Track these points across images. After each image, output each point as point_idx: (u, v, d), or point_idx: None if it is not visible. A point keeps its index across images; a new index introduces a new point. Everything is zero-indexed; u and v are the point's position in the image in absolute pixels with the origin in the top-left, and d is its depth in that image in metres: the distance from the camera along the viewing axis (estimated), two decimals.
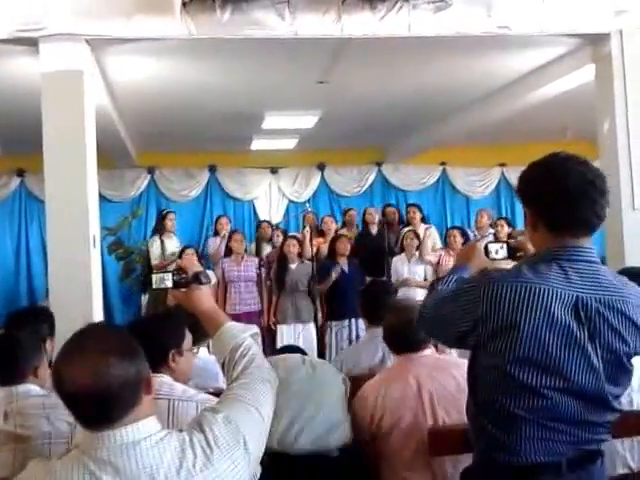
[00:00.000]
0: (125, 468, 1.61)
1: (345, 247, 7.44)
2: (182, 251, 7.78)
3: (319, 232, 8.50)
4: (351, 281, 6.91)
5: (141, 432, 1.66)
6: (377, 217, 8.58)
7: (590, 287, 1.89)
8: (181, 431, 1.73)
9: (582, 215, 1.92)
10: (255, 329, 2.18)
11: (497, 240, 2.19)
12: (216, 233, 8.83)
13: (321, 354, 7.25)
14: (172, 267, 7.04)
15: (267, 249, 8.63)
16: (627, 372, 1.96)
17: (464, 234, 7.52)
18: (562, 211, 1.92)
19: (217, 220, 9.09)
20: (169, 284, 2.28)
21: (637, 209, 5.28)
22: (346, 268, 7.37)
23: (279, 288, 7.36)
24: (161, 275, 2.31)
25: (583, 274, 1.90)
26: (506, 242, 2.34)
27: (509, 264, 2.12)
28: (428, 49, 5.87)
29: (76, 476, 1.62)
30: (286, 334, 7.23)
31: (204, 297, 2.22)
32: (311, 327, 7.29)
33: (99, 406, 1.64)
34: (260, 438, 1.82)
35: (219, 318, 2.17)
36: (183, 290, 2.26)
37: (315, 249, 7.68)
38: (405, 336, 2.94)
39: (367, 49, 5.68)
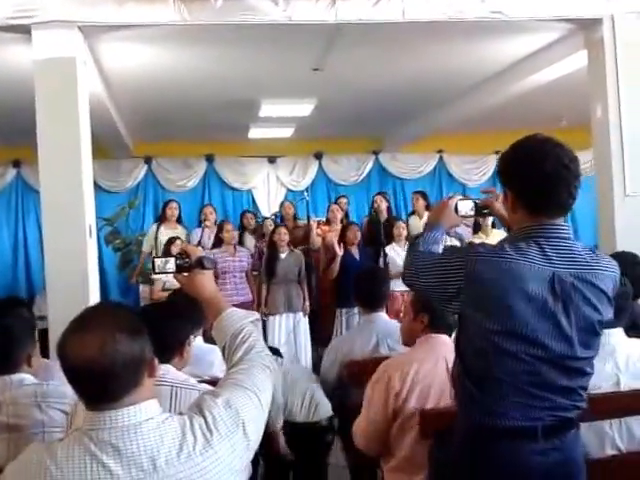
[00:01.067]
0: (126, 450, 1.63)
1: (355, 235, 7.43)
2: (170, 241, 7.71)
3: (325, 221, 8.51)
4: (353, 270, 6.88)
5: (143, 414, 1.67)
6: (384, 204, 8.53)
7: (566, 263, 2.03)
8: (181, 414, 1.75)
9: (558, 198, 2.04)
10: (256, 315, 2.19)
11: (466, 198, 2.44)
12: (199, 224, 8.82)
13: (323, 341, 7.27)
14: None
15: (249, 239, 8.61)
16: (598, 336, 2.12)
17: None
18: (540, 194, 2.05)
19: (202, 210, 9.07)
20: (172, 268, 2.29)
21: (629, 195, 5.27)
22: (357, 256, 7.38)
23: (269, 278, 7.33)
24: (164, 259, 2.32)
25: (559, 251, 2.03)
26: (474, 200, 2.47)
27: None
28: (422, 35, 5.87)
29: (77, 457, 1.63)
30: (278, 324, 7.23)
31: (207, 282, 2.22)
32: (302, 317, 7.33)
33: (102, 381, 1.65)
34: (258, 423, 1.83)
35: (220, 304, 2.17)
36: (186, 275, 2.27)
37: (321, 238, 7.70)
38: (446, 318, 2.95)
39: (361, 35, 5.67)
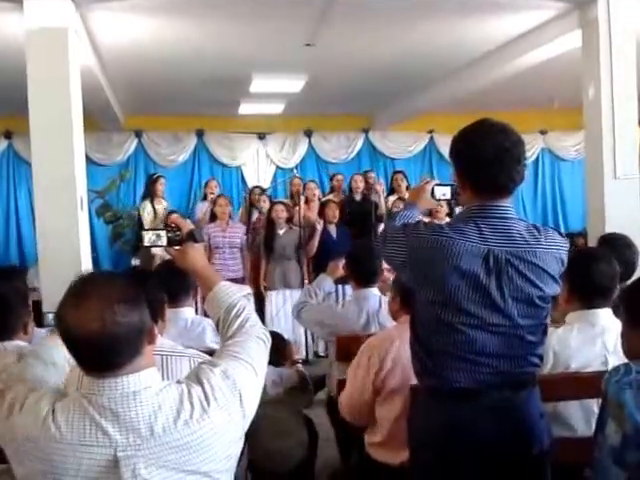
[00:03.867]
0: (125, 415, 1.66)
1: (333, 213, 7.46)
2: (167, 216, 7.78)
3: (305, 199, 8.51)
4: (338, 247, 6.90)
5: (142, 382, 1.70)
6: (362, 184, 8.56)
7: (501, 241, 2.17)
8: (179, 383, 1.78)
9: (498, 181, 2.19)
10: (248, 290, 2.21)
11: (443, 183, 2.61)
12: (204, 197, 8.78)
13: None
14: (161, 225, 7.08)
15: (255, 215, 8.59)
16: (540, 309, 2.25)
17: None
18: (481, 178, 2.20)
19: (206, 184, 9.04)
20: (163, 242, 2.29)
21: (618, 178, 5.29)
22: (334, 234, 7.40)
23: (267, 254, 7.36)
24: (154, 233, 2.32)
25: (496, 229, 2.18)
26: (451, 185, 2.61)
27: None
28: (416, 13, 5.87)
29: (76, 419, 1.67)
30: (274, 300, 7.29)
31: (199, 255, 2.24)
32: (299, 293, 7.34)
33: (104, 352, 1.67)
34: (255, 394, 1.87)
35: (213, 277, 2.20)
36: (177, 248, 2.27)
37: (302, 215, 7.73)
38: None
39: (355, 11, 5.67)
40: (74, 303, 1.69)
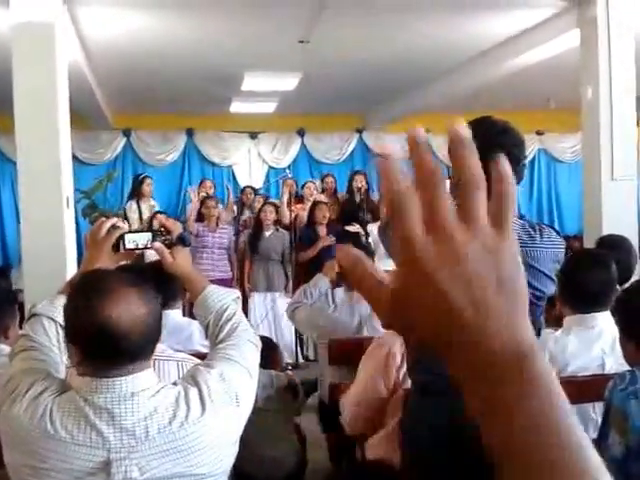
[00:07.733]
0: (120, 417, 1.66)
1: (323, 214, 7.35)
2: (153, 216, 7.66)
3: (298, 198, 8.43)
4: (329, 249, 6.83)
5: (140, 384, 1.70)
6: (365, 184, 8.41)
7: None
8: (175, 385, 1.78)
9: None
10: (237, 293, 2.19)
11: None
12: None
13: None
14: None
15: (246, 215, 8.54)
16: (535, 307, 2.22)
17: None
18: None
19: (201, 184, 8.98)
20: (147, 244, 2.19)
21: (616, 179, 5.21)
22: (322, 235, 7.31)
23: (251, 255, 7.30)
24: (137, 235, 2.21)
25: None
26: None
27: None
28: (412, 10, 5.81)
29: (72, 418, 1.65)
30: (257, 302, 7.21)
31: (187, 259, 2.20)
32: (282, 297, 7.24)
33: (116, 356, 1.66)
34: (250, 396, 1.89)
35: (202, 281, 2.18)
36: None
37: (294, 215, 7.64)
38: None
39: (349, 8, 5.62)
40: (87, 305, 1.65)
